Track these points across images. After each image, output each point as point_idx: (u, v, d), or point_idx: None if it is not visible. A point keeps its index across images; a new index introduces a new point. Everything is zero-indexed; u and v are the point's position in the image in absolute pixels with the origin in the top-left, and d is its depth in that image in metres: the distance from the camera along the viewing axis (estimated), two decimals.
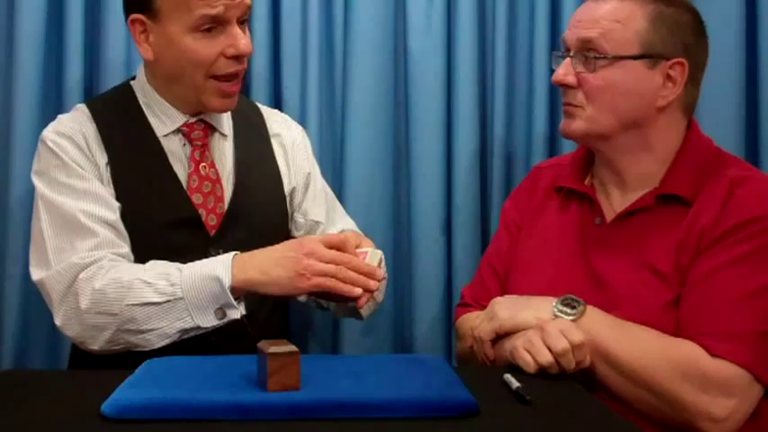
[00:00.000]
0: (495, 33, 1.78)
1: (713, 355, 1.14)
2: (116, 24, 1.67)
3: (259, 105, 1.61)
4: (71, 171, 1.34)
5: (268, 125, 1.56)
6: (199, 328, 1.25)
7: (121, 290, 1.24)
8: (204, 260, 1.28)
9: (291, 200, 1.54)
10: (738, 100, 1.76)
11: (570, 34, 1.30)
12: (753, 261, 1.18)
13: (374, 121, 1.79)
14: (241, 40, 1.35)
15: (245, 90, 1.76)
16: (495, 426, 0.90)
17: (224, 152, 1.47)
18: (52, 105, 1.67)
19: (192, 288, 1.23)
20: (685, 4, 1.30)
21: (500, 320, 1.21)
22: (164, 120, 1.42)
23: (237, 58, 1.36)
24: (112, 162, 1.37)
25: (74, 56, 1.67)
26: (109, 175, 1.37)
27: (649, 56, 1.25)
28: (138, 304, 1.23)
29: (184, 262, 1.30)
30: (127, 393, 0.94)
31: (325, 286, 1.22)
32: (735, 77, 1.75)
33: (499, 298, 1.28)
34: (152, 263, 1.30)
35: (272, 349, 0.94)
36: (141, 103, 1.43)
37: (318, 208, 1.56)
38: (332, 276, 1.21)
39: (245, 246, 1.37)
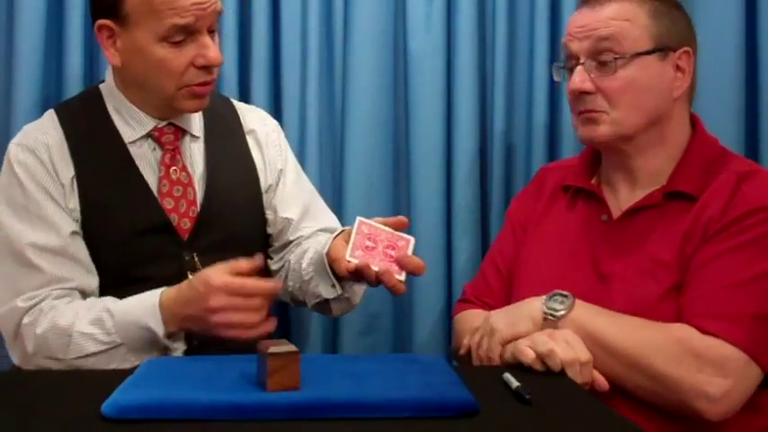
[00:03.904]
0: (495, 33, 1.78)
1: (705, 333, 1.14)
2: None
3: (233, 101, 1.57)
4: (27, 193, 1.33)
5: (243, 121, 1.52)
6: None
7: (62, 338, 1.26)
8: (131, 302, 1.27)
9: (267, 195, 1.51)
10: (738, 99, 1.76)
11: (577, 43, 1.30)
12: (754, 248, 1.19)
13: (374, 120, 1.79)
14: (211, 50, 1.32)
15: (246, 90, 1.76)
16: (495, 426, 0.90)
17: (195, 154, 1.44)
18: (52, 104, 1.67)
19: (129, 335, 1.25)
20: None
21: (500, 332, 1.20)
22: (133, 125, 1.39)
23: (207, 68, 1.33)
24: (79, 171, 1.35)
25: (74, 56, 1.68)
26: (76, 185, 1.35)
27: (660, 49, 1.27)
28: (81, 356, 1.26)
29: (159, 267, 1.31)
30: (127, 393, 0.94)
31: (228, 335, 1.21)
32: (735, 77, 1.75)
33: (491, 312, 1.27)
34: (84, 304, 1.29)
35: (272, 349, 0.94)
36: (110, 107, 1.40)
37: (291, 204, 1.52)
38: (236, 325, 1.20)
39: (220, 248, 1.36)
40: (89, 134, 1.38)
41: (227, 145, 1.48)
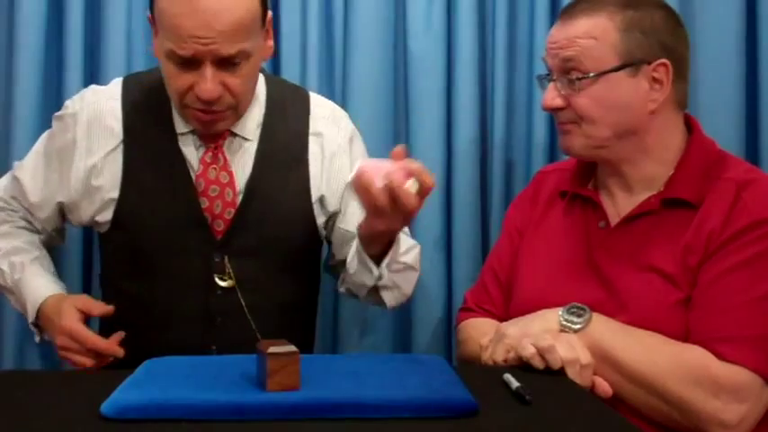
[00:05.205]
0: (495, 33, 1.78)
1: (724, 360, 1.13)
2: (116, 30, 1.68)
3: (313, 97, 1.51)
4: (51, 149, 1.43)
5: (311, 122, 1.45)
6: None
7: None
8: (39, 279, 1.39)
9: (323, 206, 1.45)
10: (738, 100, 1.75)
11: (550, 59, 1.30)
12: (761, 264, 1.17)
13: (374, 121, 1.79)
14: (206, 84, 1.25)
15: None
16: (494, 426, 0.90)
17: (246, 155, 1.40)
18: (52, 110, 1.67)
19: (18, 295, 1.40)
20: (654, 2, 1.29)
21: (510, 337, 1.19)
22: (184, 118, 1.37)
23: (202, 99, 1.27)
24: (127, 140, 1.37)
25: (74, 59, 1.68)
26: (120, 152, 1.37)
27: (630, 64, 1.24)
28: None
29: (186, 264, 1.31)
30: (127, 393, 0.94)
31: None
32: (735, 77, 1.75)
33: (504, 323, 1.26)
34: (18, 243, 1.44)
35: (272, 349, 0.94)
36: None
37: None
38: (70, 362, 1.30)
39: (254, 253, 1.36)
40: (147, 117, 1.39)
41: (283, 147, 1.42)
